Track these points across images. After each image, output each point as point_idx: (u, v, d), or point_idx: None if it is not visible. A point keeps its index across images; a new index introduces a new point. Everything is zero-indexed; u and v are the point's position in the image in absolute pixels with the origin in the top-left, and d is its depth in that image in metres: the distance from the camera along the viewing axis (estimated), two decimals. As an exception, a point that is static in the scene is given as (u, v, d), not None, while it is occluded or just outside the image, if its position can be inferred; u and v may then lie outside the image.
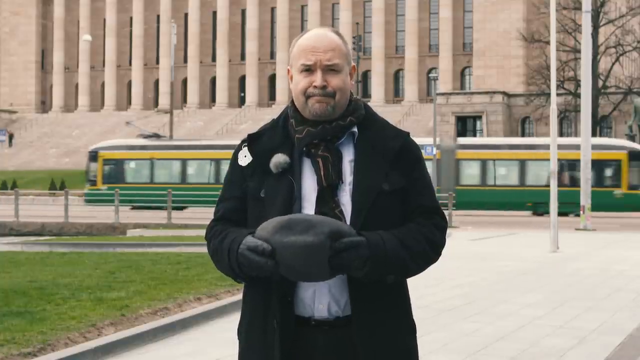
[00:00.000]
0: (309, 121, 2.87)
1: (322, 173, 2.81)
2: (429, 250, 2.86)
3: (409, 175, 2.89)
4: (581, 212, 28.31)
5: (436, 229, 2.90)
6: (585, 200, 28.27)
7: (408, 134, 2.97)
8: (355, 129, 2.89)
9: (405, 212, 2.88)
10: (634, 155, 39.77)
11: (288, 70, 2.97)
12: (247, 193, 2.90)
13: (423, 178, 2.93)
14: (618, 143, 42.96)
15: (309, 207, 2.82)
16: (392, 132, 2.93)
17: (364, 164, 2.84)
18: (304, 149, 2.85)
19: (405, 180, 2.87)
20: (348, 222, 2.79)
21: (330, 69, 2.85)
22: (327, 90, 2.83)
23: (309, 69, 2.86)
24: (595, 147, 40.27)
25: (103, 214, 36.76)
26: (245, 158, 2.92)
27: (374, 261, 2.71)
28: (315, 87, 2.83)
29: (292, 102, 2.94)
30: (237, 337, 3.00)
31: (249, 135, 2.95)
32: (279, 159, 2.84)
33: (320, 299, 2.81)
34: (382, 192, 2.82)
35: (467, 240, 22.67)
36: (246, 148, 2.93)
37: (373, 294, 2.80)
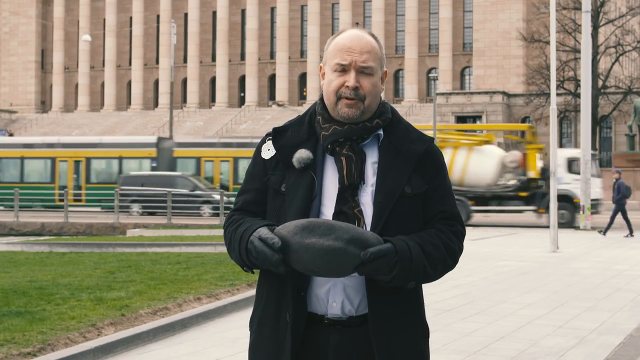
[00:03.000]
0: (336, 120, 2.88)
1: (344, 172, 2.81)
2: (447, 257, 2.86)
3: (431, 181, 2.89)
4: (581, 212, 28.33)
5: (455, 237, 2.91)
6: (585, 200, 28.26)
7: (432, 139, 2.97)
8: (380, 132, 2.90)
9: (425, 217, 2.89)
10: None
11: (320, 67, 2.97)
12: (268, 186, 2.91)
13: (444, 184, 2.94)
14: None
15: (328, 204, 2.82)
16: (417, 137, 2.94)
17: (387, 167, 2.84)
18: (329, 146, 2.85)
19: (427, 186, 2.88)
20: (368, 223, 2.79)
21: (364, 71, 2.85)
22: (359, 93, 2.83)
23: (343, 69, 2.85)
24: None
25: (103, 214, 36.76)
26: (268, 151, 2.93)
27: (401, 268, 2.71)
28: (347, 87, 2.83)
29: (321, 99, 2.94)
30: (249, 328, 3.00)
31: (274, 129, 2.96)
32: (302, 154, 2.84)
33: (334, 297, 2.80)
34: (404, 195, 2.82)
35: (467, 240, 22.65)
36: (270, 142, 2.94)
37: (391, 297, 2.80)
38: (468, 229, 28.04)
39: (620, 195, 25.31)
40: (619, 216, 25.56)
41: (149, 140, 43.50)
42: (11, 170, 43.45)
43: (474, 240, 23.18)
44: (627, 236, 24.67)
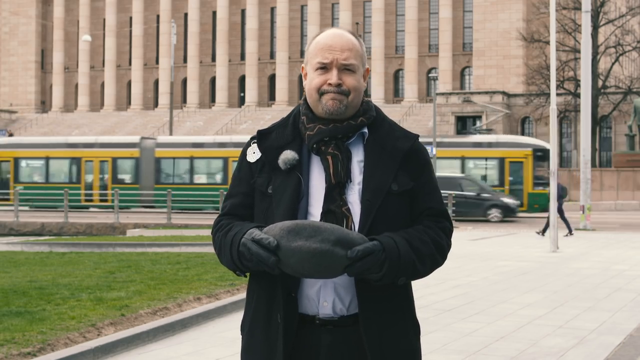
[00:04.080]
0: (320, 119, 2.87)
1: (331, 171, 2.81)
2: (436, 253, 2.86)
3: (418, 178, 2.89)
4: (581, 211, 28.33)
5: (443, 233, 2.90)
6: (584, 200, 28.25)
7: (417, 136, 2.97)
8: (365, 130, 2.90)
9: (412, 214, 2.89)
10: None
11: (302, 67, 2.97)
12: (255, 189, 2.90)
13: (431, 181, 2.94)
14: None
15: (316, 204, 2.82)
16: (402, 134, 2.94)
17: (373, 164, 2.84)
18: (314, 146, 2.85)
19: (414, 183, 2.88)
20: (356, 221, 2.79)
21: (346, 69, 2.85)
22: (342, 89, 2.83)
23: (324, 67, 2.85)
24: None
25: (103, 214, 36.76)
26: (254, 154, 2.93)
27: (390, 265, 2.70)
28: (330, 84, 2.83)
29: (305, 99, 2.94)
30: (240, 332, 3.00)
31: (259, 132, 2.96)
32: (287, 155, 2.84)
33: (325, 297, 2.80)
34: (391, 193, 2.83)
35: (467, 240, 22.67)
36: (255, 145, 2.94)
37: (380, 295, 2.80)
38: (471, 228, 28.06)
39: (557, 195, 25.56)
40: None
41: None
42: (177, 171, 41.20)
43: (474, 240, 23.18)
44: (538, 232, 25.15)
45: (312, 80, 2.87)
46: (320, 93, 2.85)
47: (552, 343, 8.54)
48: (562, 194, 25.66)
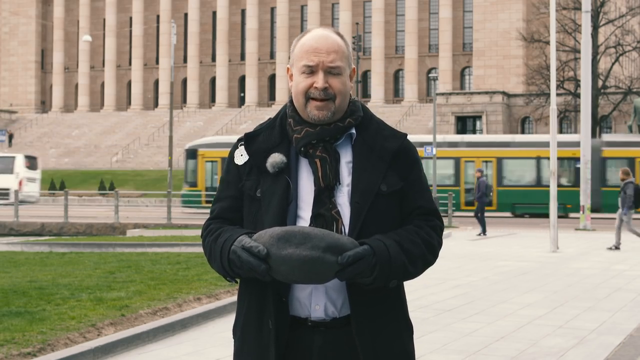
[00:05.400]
0: (307, 121, 2.85)
1: (319, 174, 2.79)
2: (427, 253, 2.84)
3: (407, 177, 2.87)
4: (581, 212, 28.34)
5: (433, 231, 2.88)
6: (585, 200, 28.25)
7: (405, 135, 2.95)
8: (353, 131, 2.88)
9: (402, 214, 2.87)
10: None
11: (288, 69, 2.94)
12: (243, 192, 2.89)
13: (420, 179, 2.92)
14: None
15: (305, 207, 2.80)
16: (390, 134, 2.91)
17: (362, 166, 2.82)
18: (302, 149, 2.83)
19: (403, 182, 2.86)
20: (346, 224, 2.77)
21: (332, 71, 2.82)
22: (328, 92, 2.81)
23: (310, 70, 2.82)
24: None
25: (103, 214, 36.74)
26: (241, 157, 2.90)
27: (381, 269, 2.69)
28: (316, 88, 2.80)
29: (291, 101, 2.91)
30: (232, 337, 2.99)
31: (246, 134, 2.93)
32: (275, 158, 2.82)
33: (317, 301, 2.79)
34: (380, 194, 2.81)
35: (467, 240, 22.69)
36: (243, 147, 2.91)
37: (372, 296, 2.79)
38: (471, 228, 28.08)
39: (480, 194, 25.71)
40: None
41: (573, 140, 39.19)
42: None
43: (474, 240, 23.20)
44: (479, 234, 25.24)
45: (298, 84, 2.84)
46: (307, 97, 2.82)
47: (552, 343, 8.54)
48: (486, 192, 25.79)
